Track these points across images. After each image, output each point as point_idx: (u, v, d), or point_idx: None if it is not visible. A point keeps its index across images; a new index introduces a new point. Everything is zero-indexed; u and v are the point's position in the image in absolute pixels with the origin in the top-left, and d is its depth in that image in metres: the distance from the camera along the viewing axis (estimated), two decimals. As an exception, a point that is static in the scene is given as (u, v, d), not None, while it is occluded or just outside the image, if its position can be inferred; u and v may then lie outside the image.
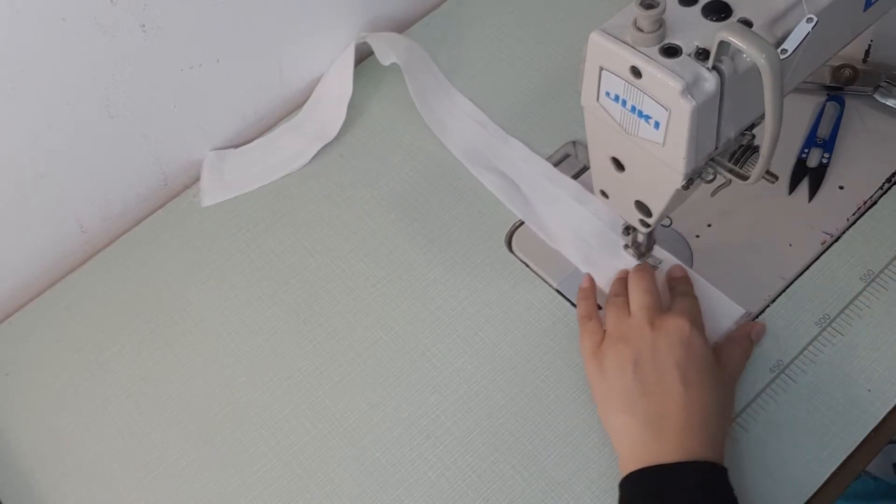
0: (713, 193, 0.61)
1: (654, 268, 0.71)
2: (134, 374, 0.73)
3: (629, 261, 0.71)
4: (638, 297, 0.64)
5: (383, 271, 0.76)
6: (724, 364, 0.63)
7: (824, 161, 0.75)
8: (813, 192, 0.74)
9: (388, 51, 0.85)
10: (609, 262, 0.71)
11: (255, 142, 0.85)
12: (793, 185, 0.75)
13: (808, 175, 0.75)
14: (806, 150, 0.76)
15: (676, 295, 0.66)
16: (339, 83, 0.86)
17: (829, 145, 0.76)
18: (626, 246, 0.71)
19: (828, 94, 0.78)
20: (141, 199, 0.83)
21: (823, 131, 0.77)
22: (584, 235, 0.73)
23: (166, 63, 0.76)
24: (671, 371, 0.59)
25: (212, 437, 0.69)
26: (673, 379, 0.59)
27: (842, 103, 0.77)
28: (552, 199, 0.76)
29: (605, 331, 0.65)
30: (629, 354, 0.61)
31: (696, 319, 0.63)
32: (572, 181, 0.77)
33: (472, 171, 0.80)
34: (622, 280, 0.68)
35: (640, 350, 0.61)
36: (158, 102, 0.78)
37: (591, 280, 0.71)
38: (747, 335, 0.66)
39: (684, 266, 0.70)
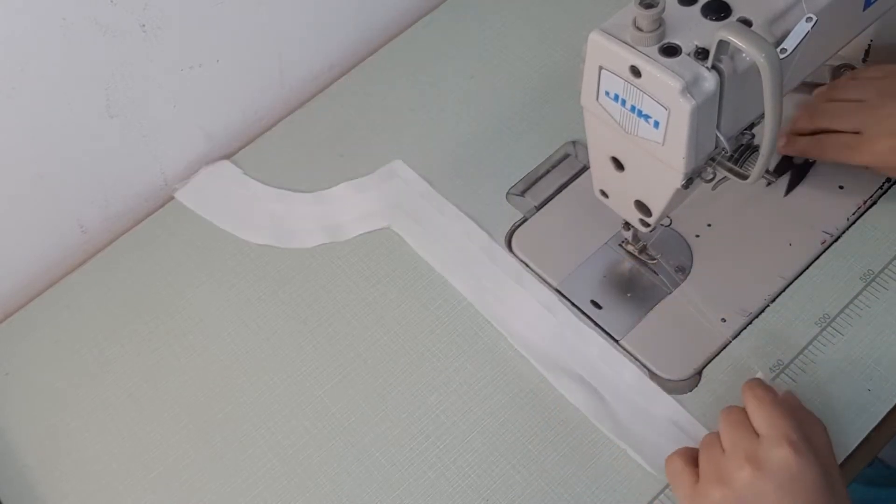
0: (714, 187, 0.61)
1: (654, 260, 0.71)
2: (134, 374, 0.73)
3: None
4: (728, 431, 0.56)
5: (383, 271, 0.76)
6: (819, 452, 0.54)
7: (811, 160, 0.74)
8: (791, 187, 0.74)
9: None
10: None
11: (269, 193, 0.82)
12: (776, 175, 0.74)
13: (792, 171, 0.74)
14: None
15: (762, 405, 0.56)
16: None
17: None
18: (626, 241, 0.71)
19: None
20: (141, 200, 0.83)
21: None
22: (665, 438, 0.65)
23: (166, 63, 0.76)
24: None
25: (212, 437, 0.69)
26: None
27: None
28: (638, 409, 0.66)
29: (696, 471, 0.57)
30: (732, 500, 0.53)
31: (798, 436, 0.54)
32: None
33: (549, 377, 0.68)
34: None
35: (743, 496, 0.53)
36: (158, 102, 0.78)
37: (687, 451, 0.60)
38: (792, 400, 0.59)
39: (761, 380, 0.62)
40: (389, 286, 0.75)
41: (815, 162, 0.75)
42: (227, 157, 0.85)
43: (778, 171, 0.75)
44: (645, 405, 0.66)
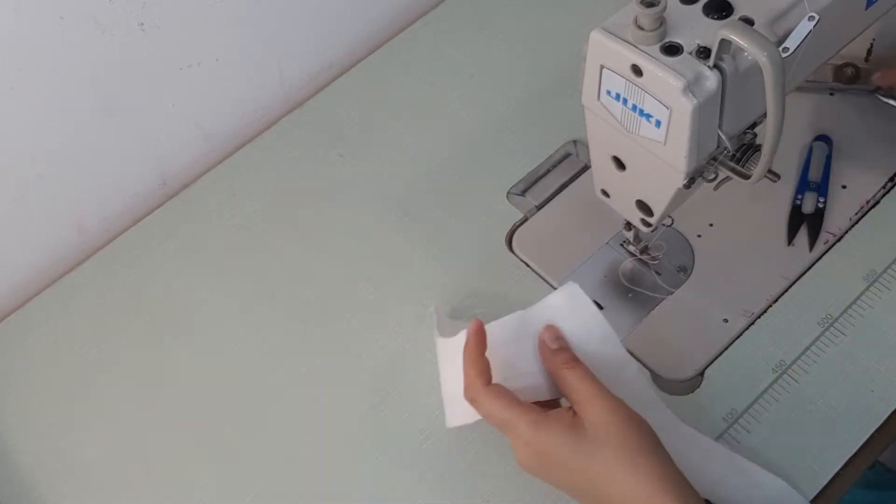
0: (716, 188, 0.61)
1: (656, 260, 0.71)
2: (133, 374, 0.73)
3: None
4: None
5: (383, 271, 0.75)
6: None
7: (820, 205, 0.72)
8: (813, 240, 0.71)
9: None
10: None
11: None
12: (791, 235, 0.72)
13: (806, 222, 0.72)
14: (800, 196, 0.73)
15: None
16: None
17: (822, 188, 0.73)
18: (627, 241, 0.71)
19: (815, 137, 0.76)
20: (139, 199, 0.83)
21: (814, 174, 0.74)
22: None
23: (165, 62, 0.75)
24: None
25: (212, 437, 0.69)
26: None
27: (829, 144, 0.75)
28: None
29: None
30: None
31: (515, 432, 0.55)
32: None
33: None
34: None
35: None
36: (157, 102, 0.78)
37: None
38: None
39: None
40: (390, 286, 0.75)
41: (825, 209, 0.71)
42: (226, 156, 0.85)
43: (792, 226, 0.72)
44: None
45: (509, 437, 0.56)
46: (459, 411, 0.60)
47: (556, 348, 0.59)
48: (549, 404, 0.60)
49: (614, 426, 0.53)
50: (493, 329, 0.60)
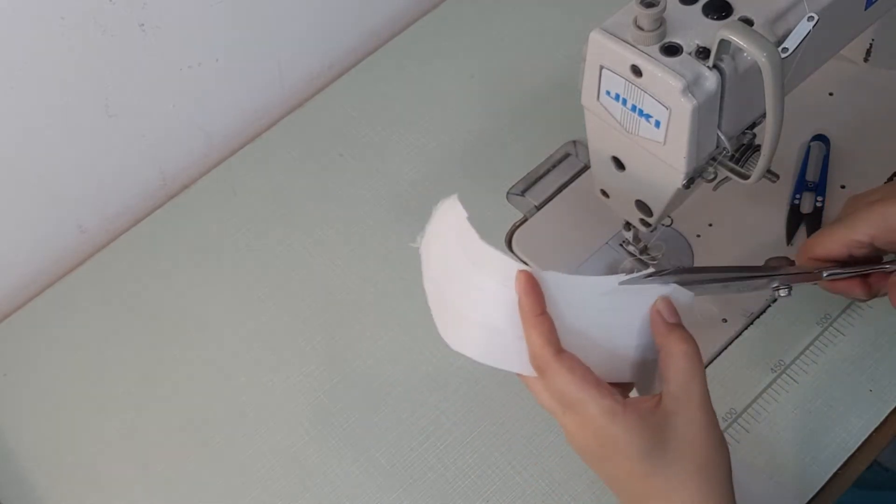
0: (715, 188, 0.61)
1: (655, 260, 0.71)
2: (134, 374, 0.73)
3: None
4: None
5: (383, 271, 0.76)
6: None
7: (818, 205, 0.72)
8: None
9: None
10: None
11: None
12: (790, 234, 0.72)
13: (804, 222, 0.72)
14: (798, 196, 0.73)
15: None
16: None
17: (820, 188, 0.73)
18: (627, 241, 0.71)
19: (812, 136, 0.75)
20: (140, 199, 0.83)
21: (812, 174, 0.73)
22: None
23: (165, 62, 0.76)
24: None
25: (212, 437, 0.69)
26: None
27: (827, 143, 0.75)
28: None
29: None
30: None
31: (564, 401, 0.49)
32: None
33: None
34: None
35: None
36: (157, 102, 0.78)
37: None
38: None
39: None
40: (390, 286, 0.75)
41: (823, 209, 0.71)
42: (227, 156, 0.85)
43: (791, 226, 0.72)
44: None
45: (571, 416, 0.49)
46: (491, 349, 0.53)
47: (675, 323, 0.52)
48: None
49: (702, 447, 0.49)
50: (552, 282, 0.50)
